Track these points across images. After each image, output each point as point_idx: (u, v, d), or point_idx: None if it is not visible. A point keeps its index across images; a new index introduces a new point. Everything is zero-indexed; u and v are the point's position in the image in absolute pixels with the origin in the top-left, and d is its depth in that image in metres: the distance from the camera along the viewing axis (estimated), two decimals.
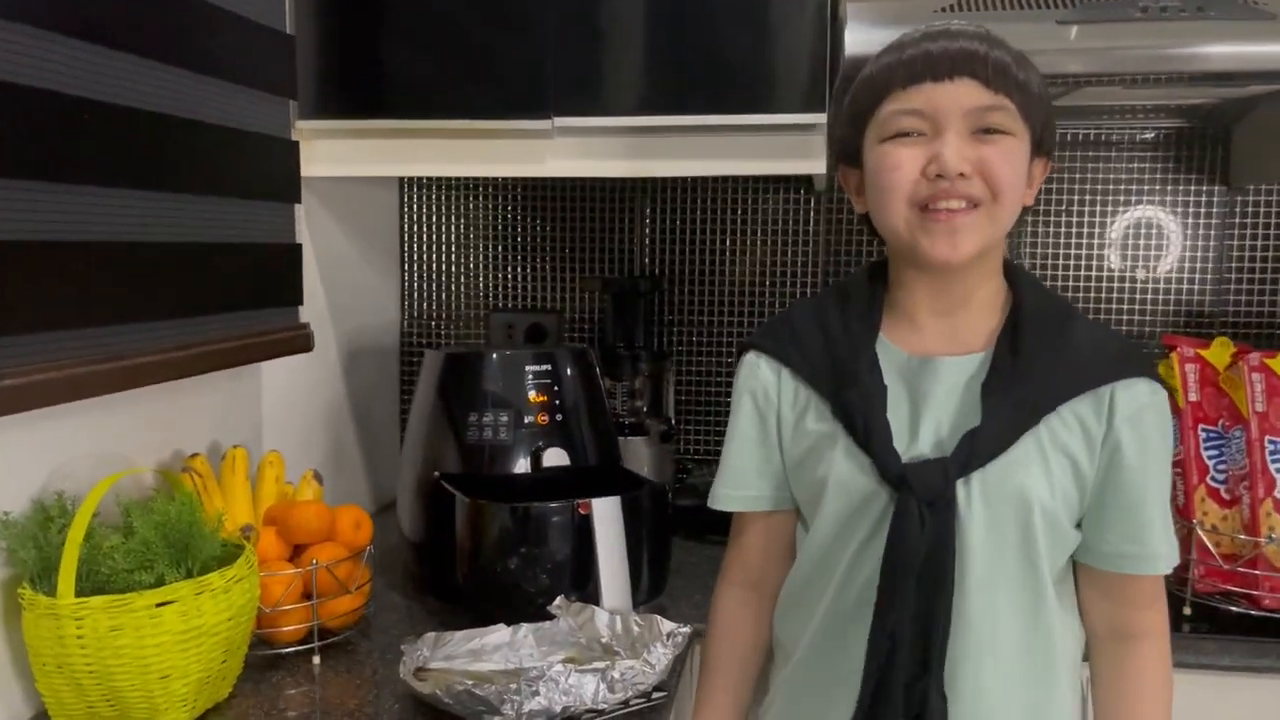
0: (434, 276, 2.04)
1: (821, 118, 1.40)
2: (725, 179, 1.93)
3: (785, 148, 1.46)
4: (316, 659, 1.21)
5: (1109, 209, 1.84)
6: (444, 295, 2.04)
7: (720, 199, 1.94)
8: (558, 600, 1.22)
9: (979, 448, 0.92)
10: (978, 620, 0.94)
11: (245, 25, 1.33)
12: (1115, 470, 0.94)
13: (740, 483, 1.07)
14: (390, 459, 1.92)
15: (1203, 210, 1.81)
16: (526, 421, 1.41)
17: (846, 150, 1.01)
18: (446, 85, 1.47)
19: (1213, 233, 1.81)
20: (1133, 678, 0.99)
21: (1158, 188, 1.82)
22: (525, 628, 1.19)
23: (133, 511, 1.06)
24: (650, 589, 1.37)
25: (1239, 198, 1.80)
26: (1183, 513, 1.38)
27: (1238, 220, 1.81)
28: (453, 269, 2.03)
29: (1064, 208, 1.85)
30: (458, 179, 2.00)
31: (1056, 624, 0.96)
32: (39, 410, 1.02)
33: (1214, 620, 1.31)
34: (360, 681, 1.16)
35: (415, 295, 2.04)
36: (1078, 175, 1.84)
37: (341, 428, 1.77)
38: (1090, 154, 1.83)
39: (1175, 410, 1.39)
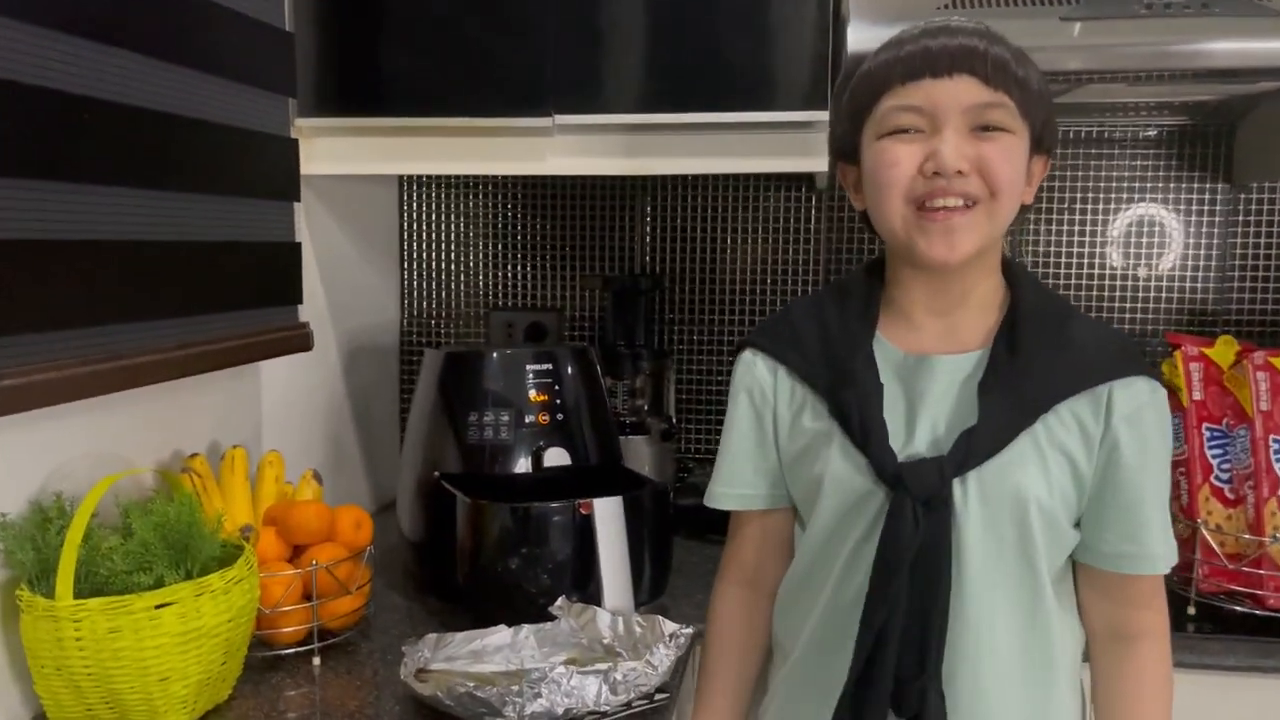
0: (434, 275, 2.03)
1: (823, 115, 1.39)
2: (726, 177, 1.92)
3: (786, 145, 1.45)
4: (316, 660, 1.20)
5: (1111, 207, 1.83)
6: (444, 294, 2.03)
7: (721, 197, 1.93)
8: (559, 601, 1.21)
9: (975, 447, 0.92)
10: (975, 620, 0.93)
11: (245, 23, 1.33)
12: (1113, 469, 0.94)
13: (736, 481, 1.07)
14: (390, 458, 1.91)
15: (1206, 208, 1.81)
16: (527, 421, 1.41)
17: (844, 147, 1.00)
18: (446, 83, 1.47)
19: (1216, 231, 1.81)
20: (1133, 678, 0.99)
21: (1160, 185, 1.82)
22: (526, 629, 1.19)
23: (132, 512, 1.05)
24: (652, 589, 1.36)
25: (1243, 195, 1.79)
26: (1187, 512, 1.37)
27: (1241, 218, 1.80)
28: (452, 267, 2.02)
29: (1066, 206, 1.84)
30: (457, 177, 2.00)
31: (1055, 624, 0.96)
32: (37, 410, 1.02)
33: (1218, 620, 1.31)
34: (361, 683, 1.15)
35: (415, 294, 2.04)
36: (1080, 173, 1.83)
37: (341, 427, 1.77)
38: (1093, 151, 1.83)
39: (1179, 409, 1.39)
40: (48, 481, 1.08)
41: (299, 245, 1.46)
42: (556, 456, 1.40)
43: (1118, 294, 1.84)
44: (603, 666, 1.05)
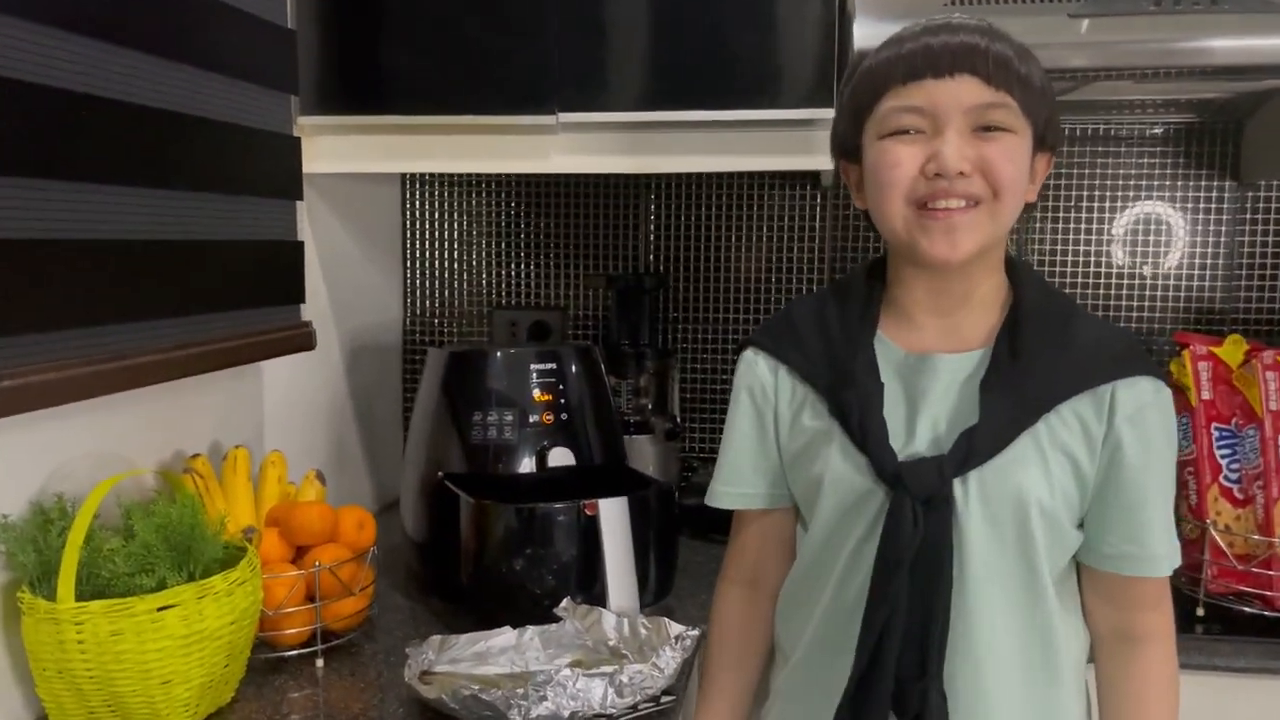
0: (437, 274, 2.02)
1: (828, 113, 1.38)
2: (731, 175, 1.91)
3: (791, 143, 1.44)
4: (320, 662, 1.19)
5: (1117, 205, 1.82)
6: (447, 293, 2.02)
7: (726, 195, 1.92)
8: (564, 602, 1.20)
9: (976, 446, 0.91)
10: (976, 620, 0.93)
11: (246, 20, 1.32)
12: (1116, 470, 0.93)
13: (737, 480, 1.07)
14: (393, 458, 1.91)
15: (1213, 206, 1.80)
16: (531, 420, 1.40)
17: (846, 146, 1.00)
18: (449, 80, 1.46)
19: (1223, 229, 1.80)
20: (1138, 680, 0.98)
21: (1167, 183, 1.81)
22: (531, 630, 1.18)
23: (133, 514, 1.04)
24: (657, 590, 1.35)
25: (1250, 194, 1.78)
26: (1196, 513, 1.36)
27: (1248, 216, 1.79)
28: (456, 266, 2.01)
29: (1072, 204, 1.83)
30: (461, 175, 1.99)
31: (1058, 625, 0.95)
32: (38, 411, 1.01)
33: (1228, 621, 1.30)
34: (364, 685, 1.15)
35: (418, 292, 2.03)
36: (1086, 171, 1.82)
37: (344, 427, 1.76)
38: (1099, 149, 1.82)
39: (1188, 409, 1.38)
40: (49, 483, 1.07)
41: (301, 244, 1.46)
42: (561, 456, 1.40)
43: (1124, 293, 1.83)
44: (608, 669, 1.05)
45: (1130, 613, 0.98)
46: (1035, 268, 1.80)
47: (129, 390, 1.13)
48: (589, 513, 1.26)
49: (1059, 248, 1.84)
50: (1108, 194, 1.82)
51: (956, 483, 0.91)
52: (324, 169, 1.52)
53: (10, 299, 0.97)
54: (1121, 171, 1.82)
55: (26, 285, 0.99)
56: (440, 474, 1.40)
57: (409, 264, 2.02)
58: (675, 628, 1.14)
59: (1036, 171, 0.96)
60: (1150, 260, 1.82)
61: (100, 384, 1.07)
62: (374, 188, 1.89)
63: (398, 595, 1.42)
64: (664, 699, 1.08)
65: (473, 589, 1.30)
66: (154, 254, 1.16)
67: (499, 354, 1.44)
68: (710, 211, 1.93)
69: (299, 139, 1.46)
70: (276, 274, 1.40)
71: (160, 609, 0.97)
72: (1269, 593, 1.30)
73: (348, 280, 1.75)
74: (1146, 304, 1.83)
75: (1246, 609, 1.31)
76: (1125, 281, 1.83)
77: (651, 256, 1.95)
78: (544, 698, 1.00)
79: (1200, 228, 1.80)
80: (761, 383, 1.04)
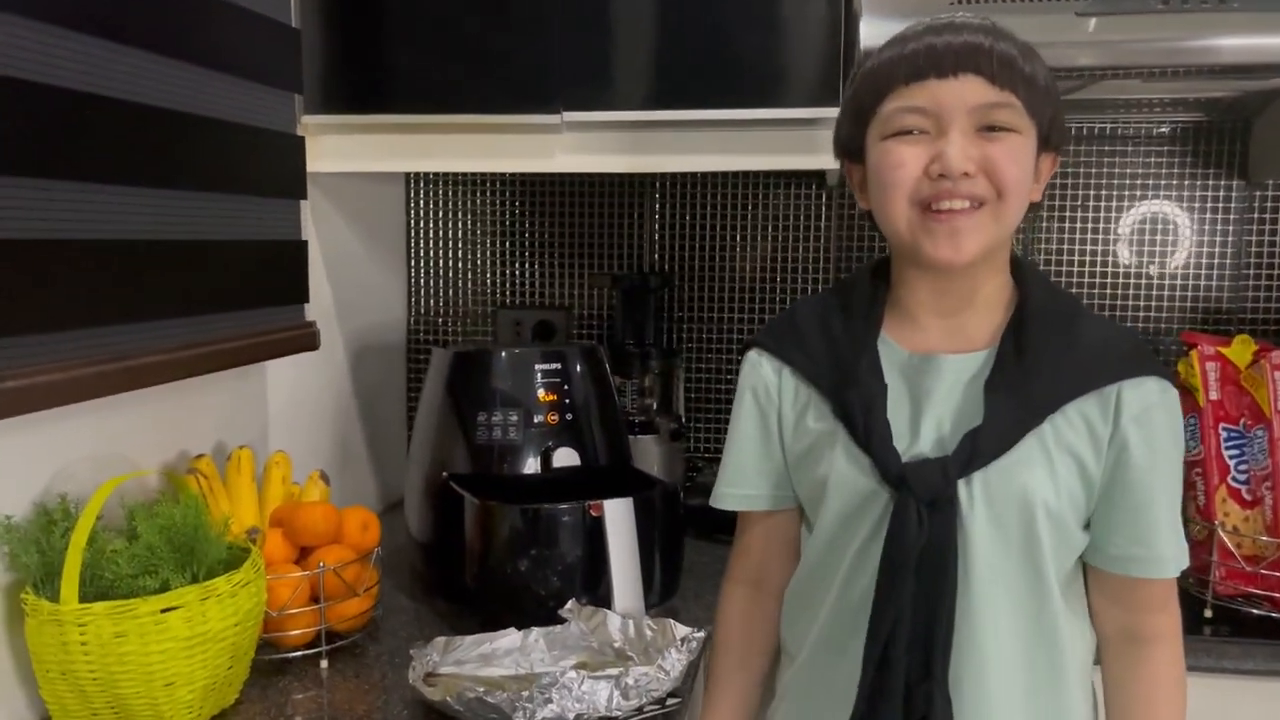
0: (441, 273, 2.02)
1: (834, 112, 1.35)
2: (736, 174, 1.91)
3: (797, 143, 1.44)
4: (324, 663, 1.19)
5: (1124, 204, 1.81)
6: (451, 292, 2.02)
7: (731, 194, 1.92)
8: (569, 604, 1.20)
9: (981, 447, 0.90)
10: (981, 622, 0.92)
11: (250, 18, 1.31)
12: (1122, 471, 0.93)
13: (741, 481, 1.06)
14: (397, 458, 1.90)
15: (1221, 205, 1.79)
16: (536, 421, 1.40)
17: (849, 146, 0.99)
18: (453, 79, 1.45)
19: (1231, 229, 1.79)
20: (1145, 682, 0.97)
21: (1174, 183, 1.80)
22: (536, 632, 1.18)
23: (137, 515, 1.04)
24: (663, 591, 1.35)
25: (1258, 193, 1.77)
26: (1204, 514, 1.36)
27: (1257, 215, 1.78)
28: (460, 265, 2.01)
29: (1079, 203, 1.82)
30: (465, 174, 1.98)
31: (1064, 627, 0.94)
32: (42, 412, 1.01)
33: (1236, 623, 1.29)
34: (369, 686, 1.14)
35: (422, 292, 2.02)
36: (1093, 170, 1.82)
37: (348, 427, 1.76)
38: (1105, 148, 1.81)
39: (1196, 409, 1.37)
40: (52, 483, 1.07)
41: (305, 243, 1.45)
42: (565, 457, 1.39)
43: (1130, 292, 1.82)
44: (614, 671, 1.04)
45: (1137, 614, 0.97)
46: (1041, 267, 1.81)
47: (133, 391, 1.12)
48: (594, 513, 1.26)
49: (1065, 247, 1.84)
50: (1114, 193, 1.82)
51: (961, 484, 0.91)
52: (328, 168, 1.52)
53: (14, 299, 0.96)
54: (1128, 170, 1.81)
55: (30, 286, 0.98)
56: (445, 474, 1.40)
57: (413, 263, 2.02)
58: (681, 629, 1.14)
59: (1041, 171, 0.96)
60: (1157, 260, 1.81)
61: (104, 384, 1.07)
62: (378, 187, 1.88)
63: (402, 596, 1.42)
64: (670, 701, 1.07)
65: (477, 590, 1.29)
66: (157, 254, 1.15)
67: (503, 354, 1.43)
68: (715, 211, 1.93)
69: (303, 138, 1.45)
70: (280, 274, 1.40)
71: (163, 611, 0.97)
72: (1278, 594, 1.29)
73: (352, 280, 1.75)
74: (1153, 304, 1.82)
75: (1255, 611, 1.31)
76: (1132, 281, 1.82)
77: (656, 256, 1.95)
78: (549, 700, 0.99)
79: (1208, 227, 1.79)
80: (765, 384, 1.04)
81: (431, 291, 2.02)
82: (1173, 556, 0.94)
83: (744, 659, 1.10)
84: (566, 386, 1.42)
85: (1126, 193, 1.81)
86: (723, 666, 1.10)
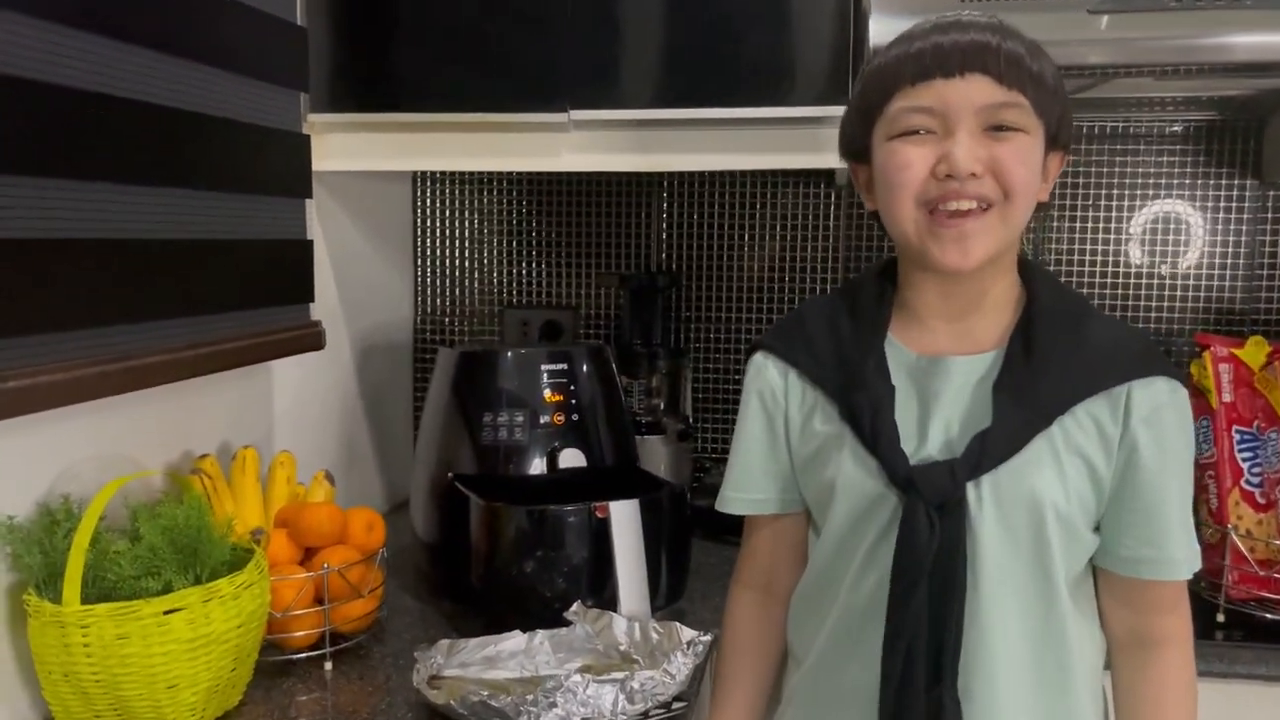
0: (448, 272, 2.01)
1: (843, 110, 1.37)
2: (744, 173, 1.89)
3: (805, 141, 1.43)
4: (328, 665, 1.18)
5: (1136, 204, 1.80)
6: (458, 291, 2.01)
7: (739, 193, 1.91)
8: (574, 606, 1.19)
9: (989, 449, 0.90)
10: (990, 626, 0.91)
11: (255, 17, 1.31)
12: (1132, 472, 0.92)
13: (747, 485, 1.06)
14: (404, 457, 1.90)
15: (1234, 205, 1.77)
16: (542, 421, 1.39)
17: (855, 146, 0.99)
18: (460, 77, 1.45)
19: (1244, 228, 1.77)
20: (1155, 685, 0.96)
21: (1187, 182, 1.78)
22: (541, 634, 1.17)
23: (140, 516, 1.03)
24: (669, 593, 1.34)
25: (1272, 193, 1.76)
26: (1216, 517, 1.34)
27: (1270, 215, 1.76)
28: (467, 264, 2.00)
29: (1090, 203, 1.81)
30: (472, 173, 1.98)
31: (1073, 630, 0.93)
32: (46, 412, 1.00)
33: (1249, 628, 1.28)
34: (373, 688, 1.14)
35: (429, 291, 2.02)
36: (1105, 169, 1.80)
37: (354, 426, 1.75)
38: (1118, 147, 1.79)
39: (1209, 411, 1.36)
40: (56, 484, 1.06)
41: (310, 243, 1.45)
42: (571, 457, 1.38)
43: (1143, 293, 1.81)
44: (619, 675, 1.03)
45: (1147, 616, 0.96)
46: (1051, 267, 1.79)
47: (137, 391, 1.12)
48: (600, 515, 1.25)
49: (1077, 247, 1.82)
50: (1126, 192, 1.80)
51: (969, 487, 0.90)
52: (334, 167, 1.52)
53: (16, 299, 0.96)
54: (1141, 170, 1.79)
55: (33, 285, 0.98)
56: (450, 475, 1.39)
57: (420, 262, 2.01)
58: (687, 633, 1.13)
59: (1049, 170, 0.95)
60: (1169, 260, 1.80)
61: (108, 385, 1.07)
62: (385, 185, 1.88)
63: (407, 597, 1.41)
64: (675, 705, 1.07)
65: (483, 591, 1.28)
66: (162, 253, 1.15)
67: (509, 354, 1.43)
68: (724, 210, 1.91)
69: (309, 137, 1.45)
70: (285, 273, 1.39)
71: (166, 612, 0.96)
72: None
73: (358, 279, 1.74)
74: (1166, 305, 1.80)
75: (1268, 615, 1.29)
76: (1144, 282, 1.81)
77: (664, 255, 1.94)
78: (554, 704, 0.99)
79: (1221, 227, 1.78)
80: (771, 386, 1.03)
81: (438, 291, 2.01)
82: (1184, 558, 0.93)
83: (751, 663, 1.09)
84: (573, 387, 1.41)
85: (1139, 192, 1.80)
86: (730, 670, 1.09)
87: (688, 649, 1.09)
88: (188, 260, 1.19)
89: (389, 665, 1.19)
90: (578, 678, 1.01)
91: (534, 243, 1.98)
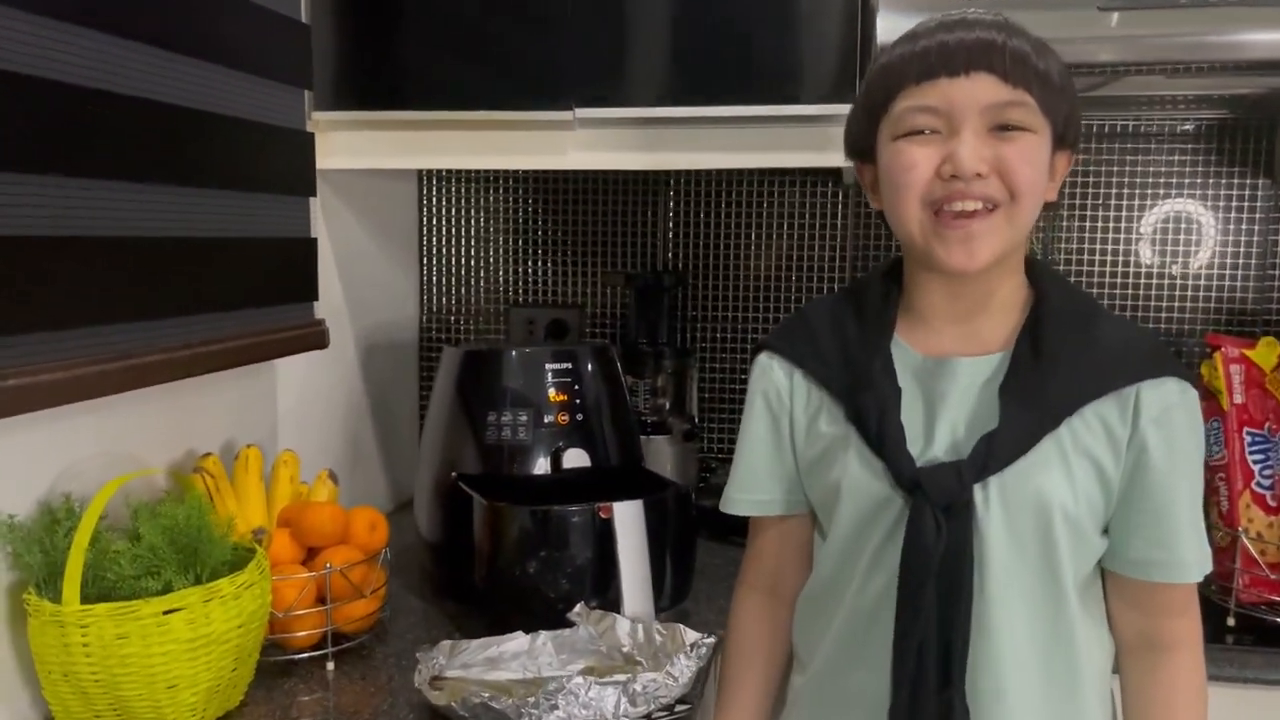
0: (454, 271, 2.00)
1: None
2: (750, 171, 1.88)
3: (812, 139, 1.42)
4: (330, 665, 1.18)
5: (1147, 203, 1.78)
6: (464, 290, 2.01)
7: (745, 192, 1.90)
8: (577, 607, 1.19)
9: (996, 451, 0.89)
10: (997, 629, 0.91)
11: (259, 14, 1.31)
12: (1141, 473, 0.91)
13: (752, 486, 1.05)
14: (409, 456, 1.89)
15: (1245, 204, 1.75)
16: (546, 421, 1.38)
17: (860, 146, 0.98)
18: (465, 75, 1.44)
19: (1256, 228, 1.75)
20: (1164, 689, 0.95)
21: (1198, 181, 1.77)
22: (544, 635, 1.16)
23: (140, 515, 1.03)
24: (674, 594, 1.33)
25: None
26: (1227, 520, 1.33)
27: None
28: (473, 263, 2.00)
29: (1100, 202, 1.80)
30: (478, 171, 1.97)
31: (1081, 633, 0.93)
32: (49, 410, 1.00)
33: (1260, 632, 1.27)
34: (375, 689, 1.13)
35: (434, 290, 2.01)
36: (1115, 168, 1.79)
37: (359, 425, 1.75)
38: (1128, 146, 1.78)
39: (1219, 413, 1.34)
40: (58, 482, 1.06)
41: (314, 241, 1.44)
42: (576, 458, 1.38)
43: (1153, 293, 1.79)
44: (621, 677, 1.03)
45: (1157, 619, 0.95)
46: (1061, 267, 1.78)
47: (141, 389, 1.12)
48: (603, 515, 1.24)
49: (1087, 247, 1.81)
50: (1137, 192, 1.78)
51: (976, 489, 0.89)
52: (339, 165, 1.51)
53: (18, 297, 0.95)
54: (1151, 169, 1.78)
55: (35, 283, 0.97)
56: (454, 474, 1.38)
57: (425, 261, 2.01)
58: (691, 635, 1.12)
59: (1057, 170, 0.94)
60: (1180, 260, 1.78)
61: (110, 383, 1.06)
62: (390, 184, 1.87)
63: (412, 596, 1.41)
64: (678, 708, 1.06)
65: (486, 591, 1.28)
66: (165, 251, 1.15)
67: (513, 353, 1.42)
68: (730, 209, 1.91)
69: (312, 134, 1.44)
70: (289, 271, 1.39)
71: (166, 612, 0.95)
72: None
73: (364, 277, 1.74)
74: (1176, 305, 1.79)
75: (1279, 619, 1.28)
76: (1155, 282, 1.79)
77: (670, 254, 1.93)
78: (555, 706, 0.98)
79: (1232, 227, 1.76)
80: (777, 387, 1.02)
81: (444, 289, 2.01)
82: (1194, 560, 0.92)
83: (757, 666, 1.08)
84: (577, 386, 1.41)
85: (1149, 191, 1.78)
86: (734, 673, 1.08)
87: (691, 651, 1.08)
88: (191, 258, 1.18)
89: (391, 665, 1.19)
90: (580, 680, 1.00)
91: (540, 241, 1.98)
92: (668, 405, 1.78)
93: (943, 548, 0.88)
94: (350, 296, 1.68)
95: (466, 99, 1.45)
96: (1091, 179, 1.79)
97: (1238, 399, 1.35)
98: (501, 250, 1.99)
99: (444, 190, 1.99)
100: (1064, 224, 1.81)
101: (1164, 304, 1.79)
